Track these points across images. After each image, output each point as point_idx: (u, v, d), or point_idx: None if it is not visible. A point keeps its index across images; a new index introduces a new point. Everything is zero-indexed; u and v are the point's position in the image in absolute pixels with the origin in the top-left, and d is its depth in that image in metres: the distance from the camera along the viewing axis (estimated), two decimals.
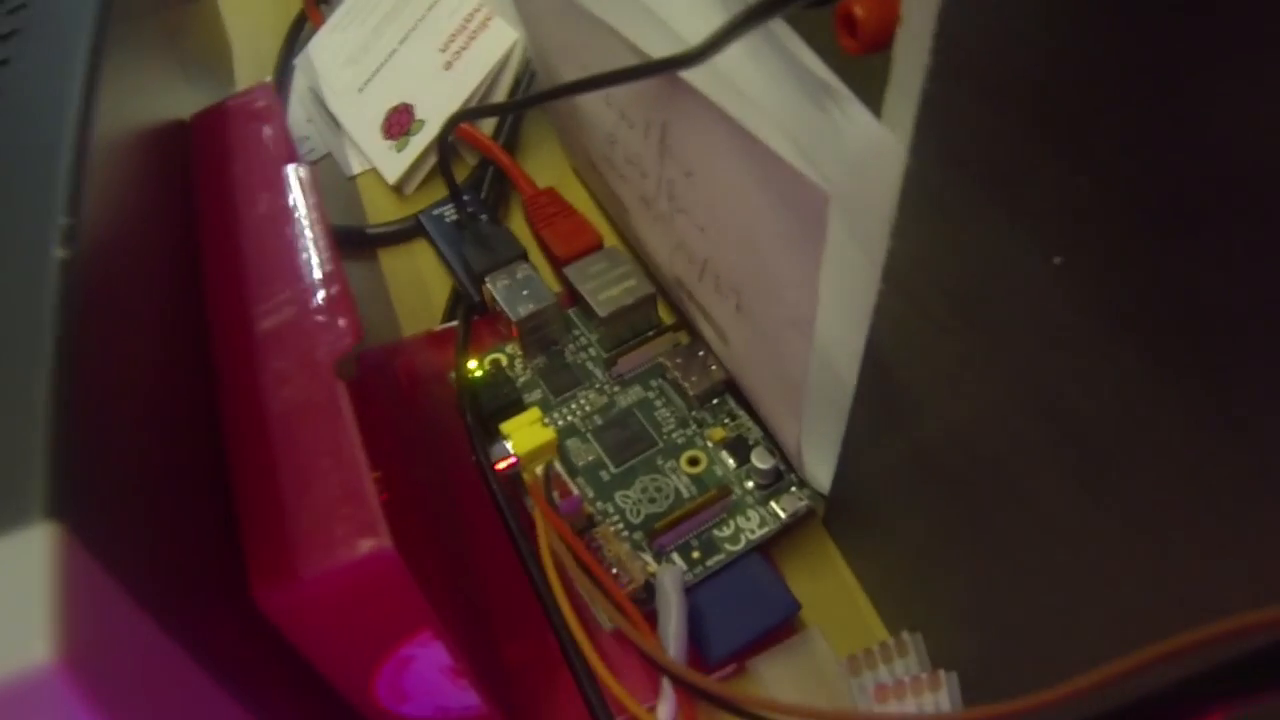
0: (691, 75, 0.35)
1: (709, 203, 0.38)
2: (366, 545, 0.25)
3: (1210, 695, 0.17)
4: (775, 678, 0.40)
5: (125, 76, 0.31)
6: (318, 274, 0.31)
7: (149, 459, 0.23)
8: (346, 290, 0.31)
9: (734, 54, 0.34)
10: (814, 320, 0.34)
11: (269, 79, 0.64)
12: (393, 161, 0.61)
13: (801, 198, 0.31)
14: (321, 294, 0.30)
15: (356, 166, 0.63)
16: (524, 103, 0.60)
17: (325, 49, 0.68)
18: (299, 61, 0.69)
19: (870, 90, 0.30)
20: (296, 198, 0.34)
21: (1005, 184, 0.25)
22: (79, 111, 0.26)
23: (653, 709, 0.36)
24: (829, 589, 0.43)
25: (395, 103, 0.62)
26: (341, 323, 0.29)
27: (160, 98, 0.36)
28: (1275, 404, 0.20)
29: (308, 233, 0.32)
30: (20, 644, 0.16)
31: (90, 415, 0.19)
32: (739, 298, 0.39)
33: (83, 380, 0.20)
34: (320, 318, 0.30)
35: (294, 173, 0.35)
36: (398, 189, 0.61)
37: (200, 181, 0.35)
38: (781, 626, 0.41)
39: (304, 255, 0.32)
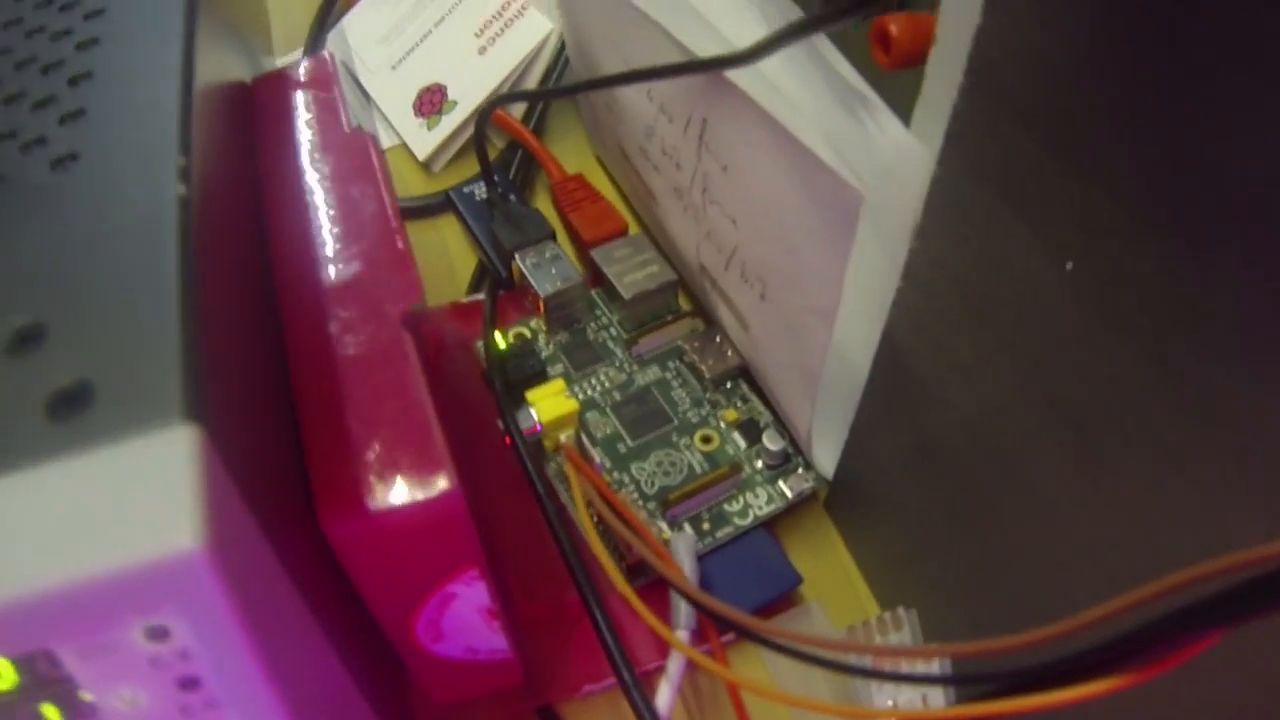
0: (736, 75, 0.37)
1: (743, 196, 0.41)
2: (437, 485, 0.27)
3: (1206, 620, 0.19)
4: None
5: (210, 43, 0.33)
6: (382, 231, 0.33)
7: (249, 379, 0.25)
8: (408, 246, 0.33)
9: (775, 59, 0.36)
10: (836, 311, 0.36)
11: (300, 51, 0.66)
12: (423, 139, 0.62)
13: (836, 196, 0.33)
14: (386, 249, 0.32)
15: (386, 142, 0.65)
16: (569, 90, 0.62)
17: (359, 26, 0.69)
18: (331, 37, 0.70)
19: (901, 101, 0.32)
20: (361, 159, 0.36)
21: (1024, 195, 0.27)
22: (183, 72, 0.28)
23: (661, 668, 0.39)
24: (827, 567, 0.45)
25: (428, 82, 0.64)
26: (406, 276, 0.32)
27: (230, 63, 0.38)
28: (1260, 402, 0.22)
29: (371, 195, 0.34)
30: (169, 530, 0.18)
31: (210, 333, 0.22)
32: (764, 287, 0.41)
33: (203, 301, 0.22)
34: (385, 272, 0.32)
35: (358, 136, 0.37)
36: (426, 165, 0.63)
37: (263, 140, 0.37)
38: (783, 598, 0.43)
39: (368, 214, 0.34)
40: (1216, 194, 0.21)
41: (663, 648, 0.41)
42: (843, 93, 0.34)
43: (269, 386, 0.28)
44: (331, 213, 0.34)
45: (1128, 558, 0.28)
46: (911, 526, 0.40)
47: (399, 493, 0.27)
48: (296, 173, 0.36)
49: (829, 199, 0.34)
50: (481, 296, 0.52)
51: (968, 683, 0.25)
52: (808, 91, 0.36)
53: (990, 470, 0.33)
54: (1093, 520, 0.28)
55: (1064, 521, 0.30)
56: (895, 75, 0.31)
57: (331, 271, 0.32)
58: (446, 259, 0.58)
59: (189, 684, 0.20)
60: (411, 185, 0.62)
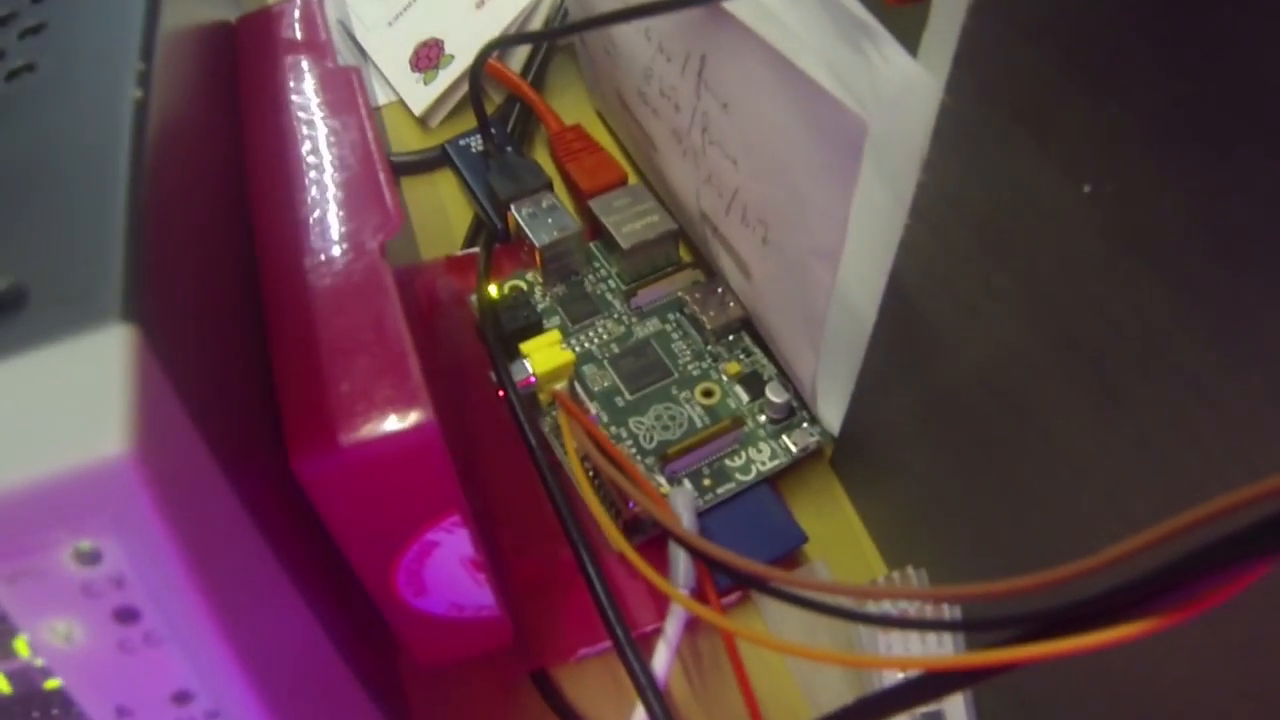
0: (735, 8, 0.36)
1: (744, 134, 0.39)
2: (411, 417, 0.26)
3: (1252, 550, 0.17)
4: (780, 612, 0.41)
5: None
6: (362, 162, 0.31)
7: (208, 298, 0.24)
8: (391, 177, 0.31)
9: None
10: (841, 250, 0.35)
11: None
12: (420, 93, 0.61)
13: (839, 126, 0.32)
14: (366, 181, 0.31)
15: (382, 98, 0.63)
16: (564, 30, 0.60)
17: None
18: None
19: (907, 34, 0.31)
20: (345, 94, 0.34)
21: (1037, 117, 0.26)
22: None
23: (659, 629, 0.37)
24: (833, 526, 0.44)
25: (425, 37, 0.62)
26: (386, 208, 0.30)
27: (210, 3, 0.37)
28: None
29: (353, 126, 0.33)
30: (96, 436, 0.16)
31: (158, 237, 0.20)
32: (766, 229, 0.40)
33: (152, 205, 0.20)
34: (364, 203, 0.30)
35: (342, 71, 0.35)
36: (423, 121, 0.61)
37: (245, 75, 0.36)
38: (787, 557, 0.42)
39: (349, 146, 0.32)
40: (1239, 97, 0.20)
41: (660, 610, 0.39)
42: (846, 24, 0.33)
43: (235, 312, 0.27)
44: (312, 145, 0.33)
45: (1152, 501, 0.26)
46: (921, 481, 0.39)
47: (371, 426, 0.26)
48: (278, 106, 0.34)
49: (832, 130, 0.32)
50: (476, 250, 0.50)
51: (984, 628, 0.23)
52: (809, 23, 0.35)
53: (1004, 417, 0.31)
54: (1113, 463, 0.27)
55: (1083, 467, 0.28)
56: (901, 10, 0.30)
57: (310, 203, 0.31)
58: (442, 214, 0.56)
59: (126, 615, 0.18)
60: (408, 142, 0.61)
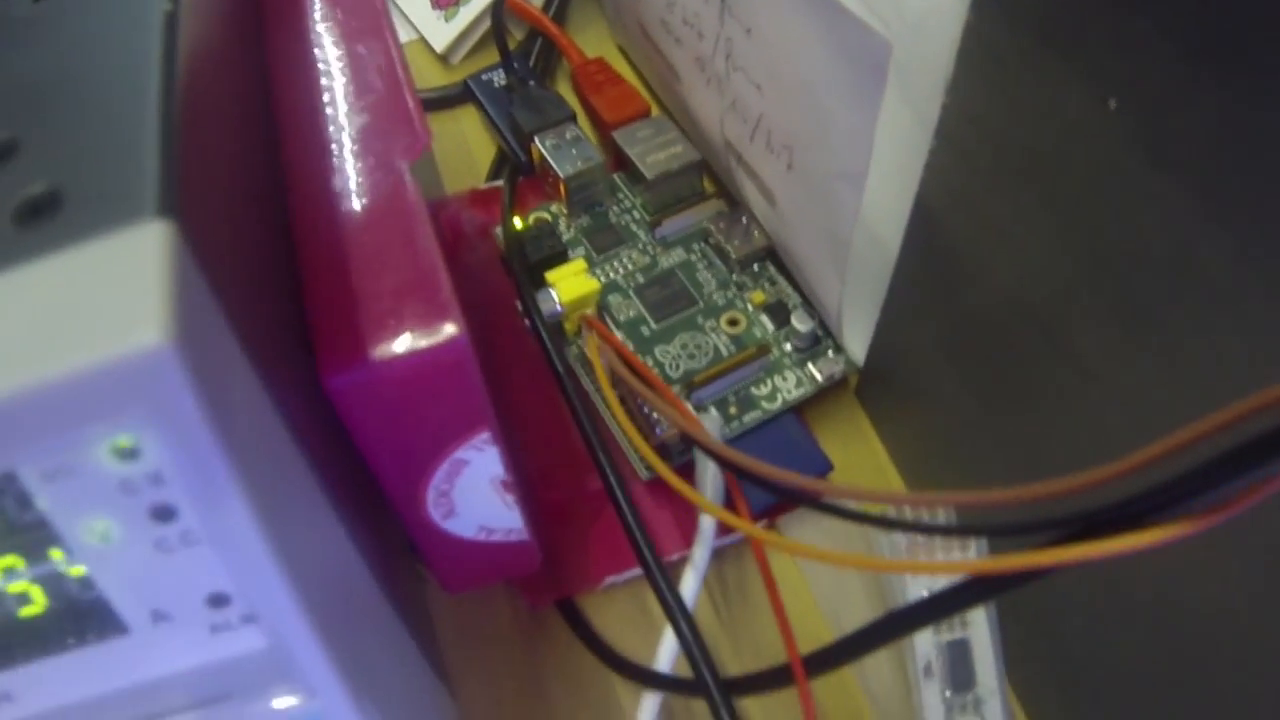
0: None
1: (767, 59, 0.39)
2: (444, 331, 0.26)
3: None
4: (806, 532, 0.41)
5: None
6: (389, 85, 0.31)
7: (235, 197, 0.24)
8: (417, 100, 0.31)
9: None
10: (866, 172, 0.35)
11: None
12: (441, 30, 0.61)
13: (863, 48, 0.32)
14: (393, 102, 0.31)
15: (404, 36, 0.63)
16: None
17: None
18: None
19: None
20: (371, 19, 0.34)
21: (1062, 32, 0.26)
22: None
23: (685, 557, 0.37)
24: (858, 457, 0.44)
25: None
26: (413, 127, 0.30)
27: None
28: None
29: (379, 50, 0.33)
30: (134, 327, 0.16)
31: (190, 142, 0.20)
32: (791, 155, 0.39)
33: (184, 110, 0.20)
34: (392, 123, 0.30)
35: None
36: (444, 58, 0.61)
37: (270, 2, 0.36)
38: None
39: (375, 70, 0.32)
40: (1266, 6, 0.20)
41: (686, 539, 0.40)
42: None
43: (266, 224, 0.27)
44: (339, 68, 0.32)
45: (1180, 419, 0.26)
46: (947, 410, 0.39)
47: (402, 341, 0.26)
48: (304, 30, 0.34)
49: (856, 51, 0.32)
50: (500, 183, 0.50)
51: (1012, 533, 0.23)
52: None
53: (1031, 341, 0.31)
54: (1141, 382, 0.27)
55: (1111, 387, 0.28)
56: None
57: (337, 124, 0.31)
58: (465, 149, 0.56)
59: (163, 514, 0.18)
60: (430, 78, 0.60)
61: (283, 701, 0.22)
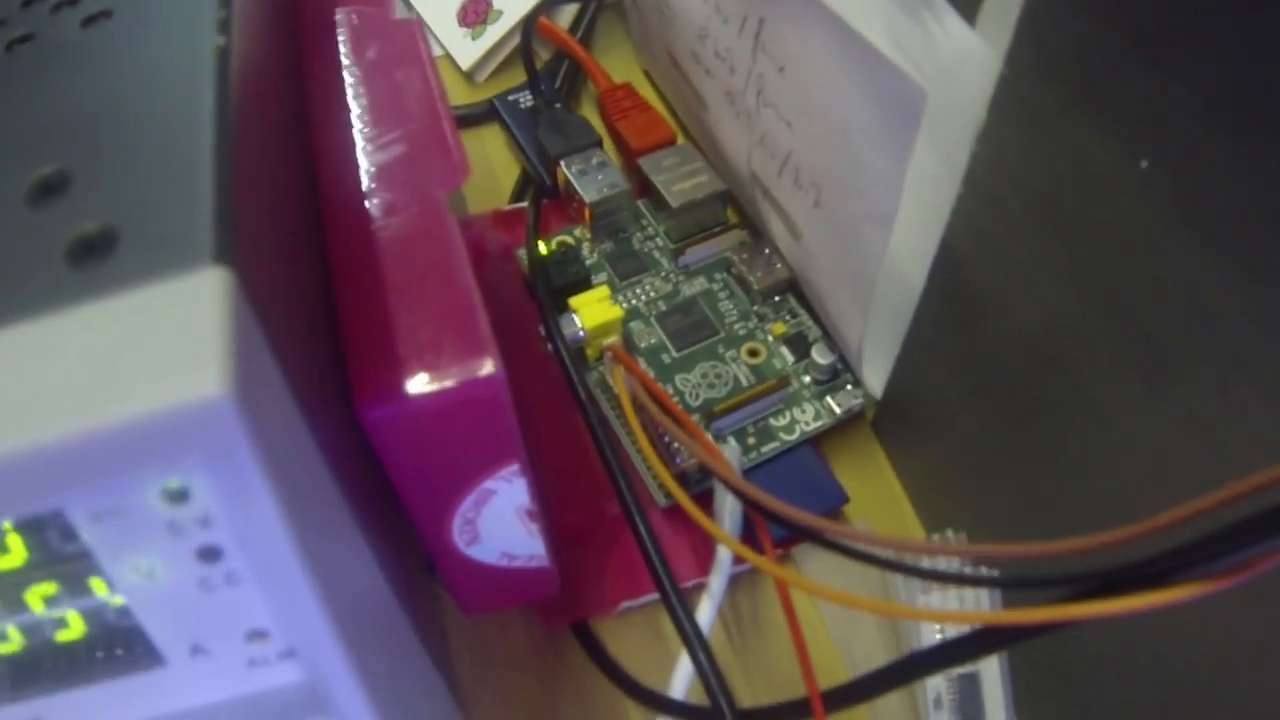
0: None
1: (800, 98, 0.39)
2: (481, 368, 0.26)
3: None
4: (819, 563, 0.42)
5: None
6: (429, 114, 0.32)
7: (281, 237, 0.24)
8: (455, 130, 0.31)
9: None
10: (895, 216, 0.35)
11: None
12: (467, 49, 0.61)
13: (898, 93, 0.32)
14: (431, 133, 0.31)
15: None
16: None
17: None
18: None
19: (965, 4, 0.31)
20: (408, 46, 0.34)
21: (1098, 90, 0.26)
22: None
23: (700, 583, 0.38)
24: (874, 489, 0.44)
25: None
26: (452, 159, 0.30)
27: None
28: None
29: (416, 79, 0.33)
30: (194, 376, 0.17)
31: (242, 182, 0.20)
32: (819, 192, 0.40)
33: (236, 151, 0.21)
34: (430, 153, 0.31)
35: (405, 24, 0.35)
36: (470, 76, 0.62)
37: (308, 27, 0.36)
38: (829, 518, 0.42)
39: (414, 97, 0.32)
40: None
41: (702, 566, 0.40)
42: None
43: (306, 260, 0.27)
44: (376, 97, 0.33)
45: (1196, 476, 0.26)
46: (963, 447, 0.39)
47: (439, 376, 0.26)
48: (341, 58, 0.34)
49: (890, 96, 0.33)
50: (524, 204, 0.51)
51: (1030, 586, 0.23)
52: None
53: (1050, 386, 0.32)
54: (1159, 436, 0.27)
55: (1128, 439, 0.29)
56: None
57: (375, 154, 0.31)
58: (489, 168, 0.57)
59: (209, 555, 0.19)
60: (455, 96, 0.61)
61: None
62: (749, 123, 0.44)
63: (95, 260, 0.18)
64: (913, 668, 0.27)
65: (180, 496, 0.18)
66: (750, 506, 0.35)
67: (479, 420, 0.27)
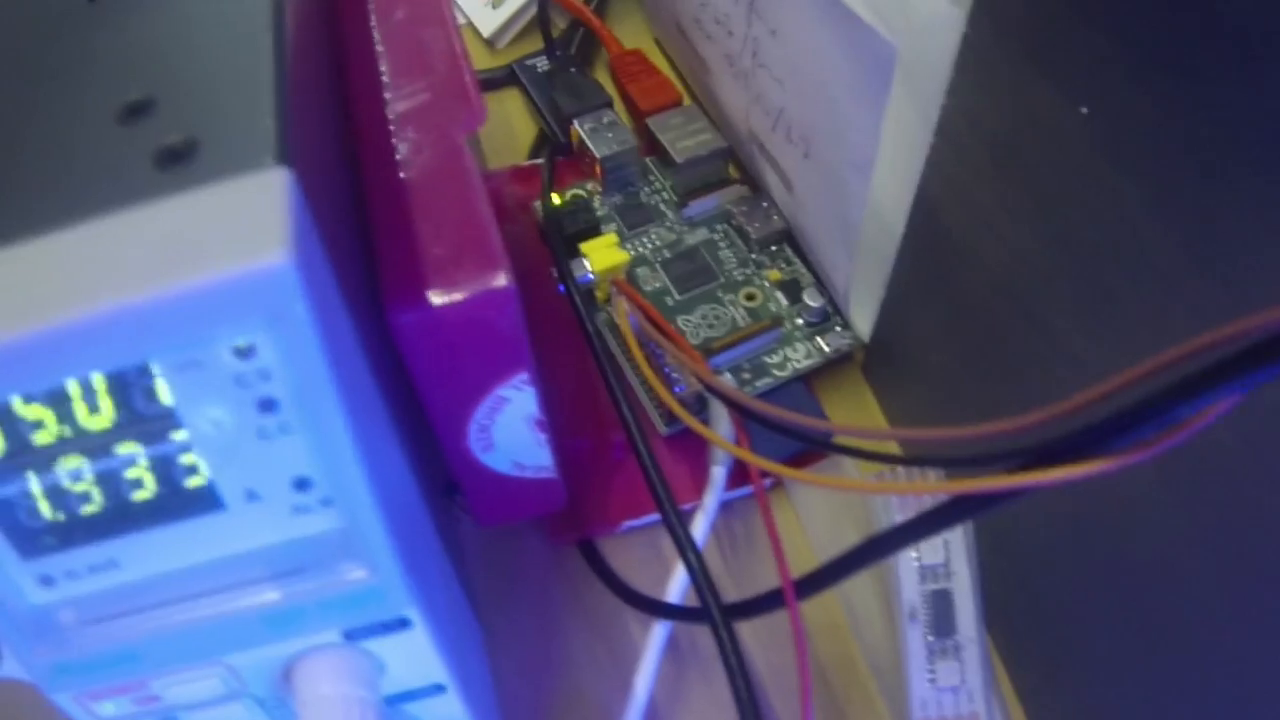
0: None
1: (789, 58, 0.43)
2: (496, 280, 0.30)
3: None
4: (808, 491, 0.45)
5: None
6: (451, 67, 0.35)
7: (325, 155, 0.28)
8: (475, 79, 0.35)
9: None
10: (874, 163, 0.39)
11: None
12: (488, 17, 0.64)
13: (872, 51, 0.36)
14: (453, 81, 0.35)
15: None
16: None
17: None
18: None
19: None
20: (432, 6, 0.38)
21: (1044, 46, 0.30)
22: None
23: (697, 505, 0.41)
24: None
25: None
26: (471, 104, 0.34)
27: None
28: (1256, 227, 0.24)
29: (441, 33, 0.36)
30: (262, 247, 0.20)
31: (296, 107, 0.24)
32: (808, 145, 0.43)
33: (290, 81, 0.24)
34: (452, 100, 0.34)
35: None
36: (490, 43, 0.65)
37: None
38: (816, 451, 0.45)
39: (439, 52, 0.36)
40: (1216, 32, 0.23)
41: (698, 489, 0.43)
42: None
43: (345, 183, 0.30)
44: (404, 50, 0.36)
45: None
46: (942, 385, 0.42)
47: (460, 285, 0.30)
48: (371, 16, 0.38)
49: (865, 53, 0.36)
50: (540, 161, 0.54)
51: (976, 464, 0.26)
52: None
53: (1015, 322, 0.35)
54: (1106, 358, 0.30)
55: (1081, 363, 0.32)
56: None
57: (403, 100, 0.34)
58: (508, 129, 0.60)
59: (267, 406, 0.22)
60: (477, 62, 0.63)
61: (348, 576, 0.26)
62: (746, 83, 0.48)
63: (179, 165, 0.22)
64: (876, 548, 0.29)
65: (247, 353, 0.21)
66: (741, 413, 0.38)
67: (492, 327, 0.31)
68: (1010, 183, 0.33)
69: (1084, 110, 0.28)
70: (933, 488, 0.30)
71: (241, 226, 0.21)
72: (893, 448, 0.44)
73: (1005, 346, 0.36)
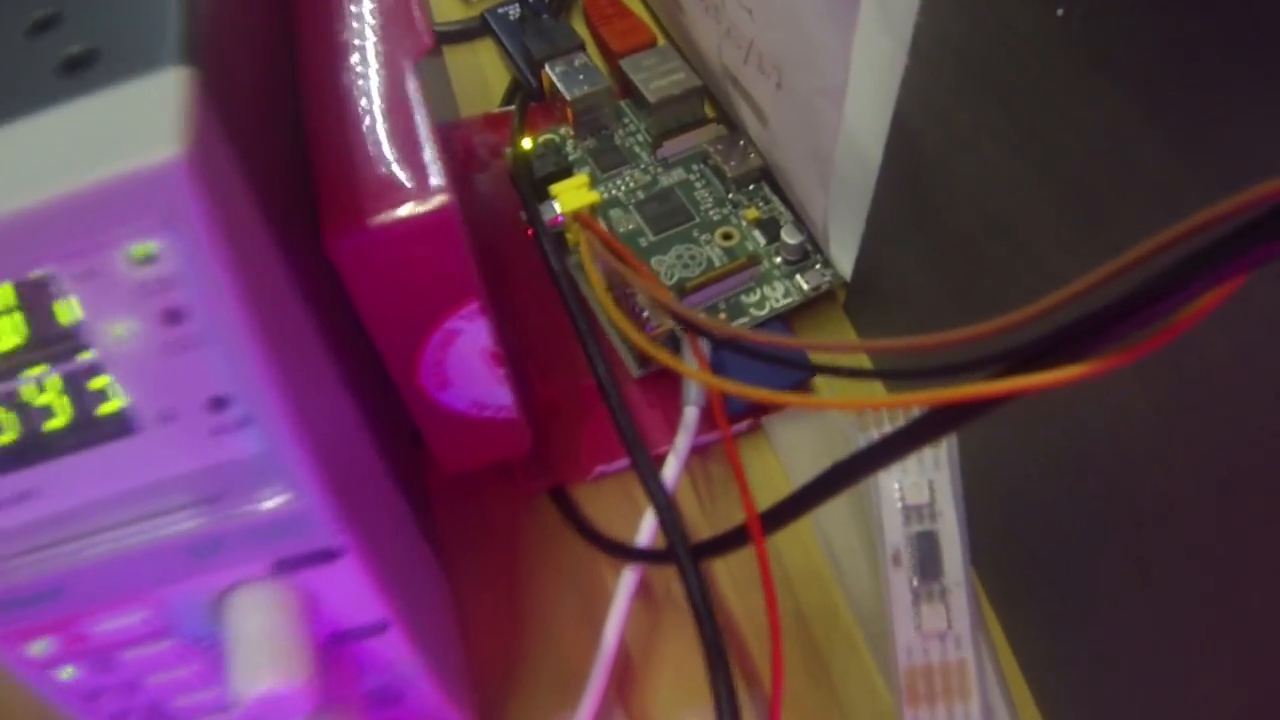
0: None
1: None
2: (432, 200, 0.28)
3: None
4: (789, 433, 0.44)
5: None
6: None
7: (254, 70, 0.27)
8: (424, 7, 0.34)
9: None
10: (846, 88, 0.37)
11: None
12: None
13: None
14: (401, 8, 0.33)
15: None
16: None
17: None
18: None
19: None
20: None
21: None
22: None
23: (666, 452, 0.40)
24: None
25: None
26: (416, 30, 0.33)
27: None
28: (1249, 129, 0.22)
29: None
30: (152, 144, 0.19)
31: (216, 11, 0.23)
32: (780, 75, 0.42)
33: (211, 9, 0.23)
34: (399, 27, 0.33)
35: None
36: None
37: None
38: (798, 389, 0.44)
39: None
40: None
41: (669, 433, 0.42)
42: None
43: (283, 109, 0.29)
44: None
45: None
46: (923, 317, 0.41)
47: (398, 208, 0.28)
48: None
49: None
50: (512, 108, 0.53)
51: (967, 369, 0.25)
52: None
53: (995, 244, 0.34)
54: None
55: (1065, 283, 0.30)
56: None
57: (350, 26, 0.33)
58: (481, 79, 0.59)
59: (174, 317, 0.21)
60: (450, 14, 0.63)
61: (270, 503, 0.24)
62: (717, 16, 0.46)
63: (81, 71, 0.21)
64: (842, 473, 0.28)
65: (148, 260, 0.20)
66: (714, 340, 0.37)
67: (435, 251, 0.29)
68: (988, 100, 0.32)
69: (1060, 11, 0.27)
70: (910, 400, 0.29)
71: (136, 126, 0.20)
72: (873, 374, 0.43)
73: (989, 276, 0.35)
